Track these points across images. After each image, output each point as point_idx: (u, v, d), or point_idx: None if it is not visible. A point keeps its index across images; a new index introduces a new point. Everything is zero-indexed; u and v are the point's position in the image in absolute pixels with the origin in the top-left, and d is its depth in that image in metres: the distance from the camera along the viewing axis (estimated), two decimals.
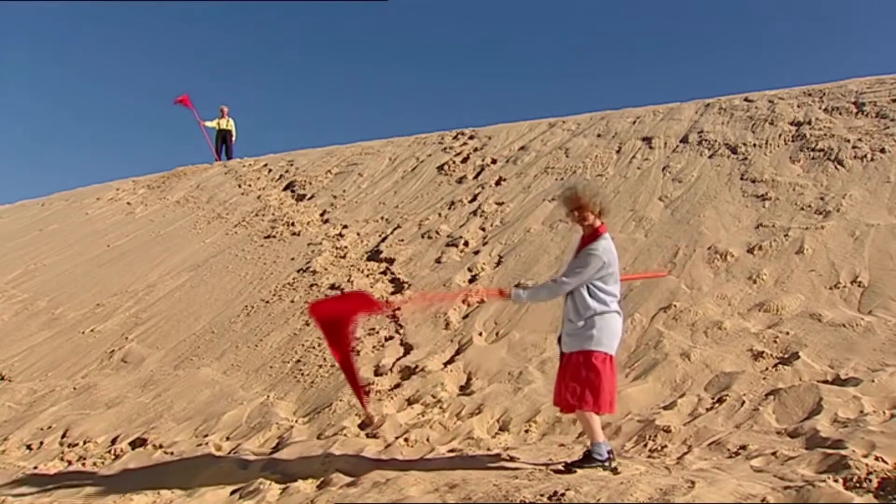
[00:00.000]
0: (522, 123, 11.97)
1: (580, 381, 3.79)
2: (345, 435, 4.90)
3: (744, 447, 3.93)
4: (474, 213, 9.06)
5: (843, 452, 3.51)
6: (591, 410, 3.77)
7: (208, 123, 15.66)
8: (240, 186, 12.87)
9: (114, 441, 5.45)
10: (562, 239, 7.72)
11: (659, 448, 4.14)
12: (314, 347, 6.55)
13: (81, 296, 9.31)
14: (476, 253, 7.94)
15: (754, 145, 8.78)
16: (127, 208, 13.33)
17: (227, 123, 15.71)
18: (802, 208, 7.12)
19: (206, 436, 5.33)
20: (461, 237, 8.36)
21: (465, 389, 5.47)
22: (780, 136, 8.83)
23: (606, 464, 3.73)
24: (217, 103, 23.67)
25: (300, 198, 11.53)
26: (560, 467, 3.81)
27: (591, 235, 3.91)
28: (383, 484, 3.79)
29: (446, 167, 10.93)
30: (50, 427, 5.86)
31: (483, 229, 8.55)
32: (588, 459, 3.76)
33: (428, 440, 4.72)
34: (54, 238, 12.50)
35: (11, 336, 8.40)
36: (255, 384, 6.14)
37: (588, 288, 3.85)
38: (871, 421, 3.94)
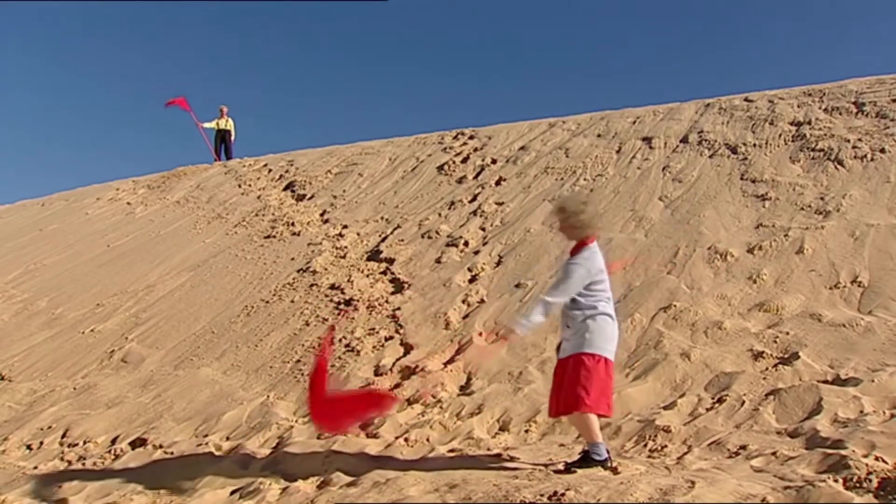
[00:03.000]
0: (522, 123, 11.97)
1: (575, 383, 3.78)
2: (345, 435, 4.90)
3: (744, 447, 3.93)
4: (474, 213, 9.06)
5: (843, 452, 3.51)
6: (587, 411, 3.74)
7: (207, 124, 15.68)
8: (240, 186, 12.87)
9: (114, 441, 5.45)
10: (562, 239, 7.70)
11: (659, 448, 4.14)
12: (314, 347, 6.55)
13: (81, 296, 9.31)
14: (476, 253, 7.94)
15: (754, 145, 8.78)
16: (127, 208, 13.33)
17: (227, 123, 15.73)
18: (802, 208, 7.12)
19: (206, 436, 5.33)
20: (461, 237, 8.36)
21: (465, 389, 5.48)
22: (780, 136, 8.83)
23: (606, 463, 3.73)
24: (217, 103, 23.69)
25: (300, 198, 11.53)
26: (560, 467, 3.82)
27: (577, 246, 3.97)
28: (383, 484, 3.79)
29: (446, 167, 10.93)
30: (50, 427, 5.86)
31: (483, 229, 8.55)
32: (587, 460, 3.76)
33: (428, 440, 4.72)
34: (54, 238, 12.50)
35: (11, 336, 8.40)
36: (255, 384, 6.14)
37: (574, 298, 3.87)
38: (871, 421, 3.94)
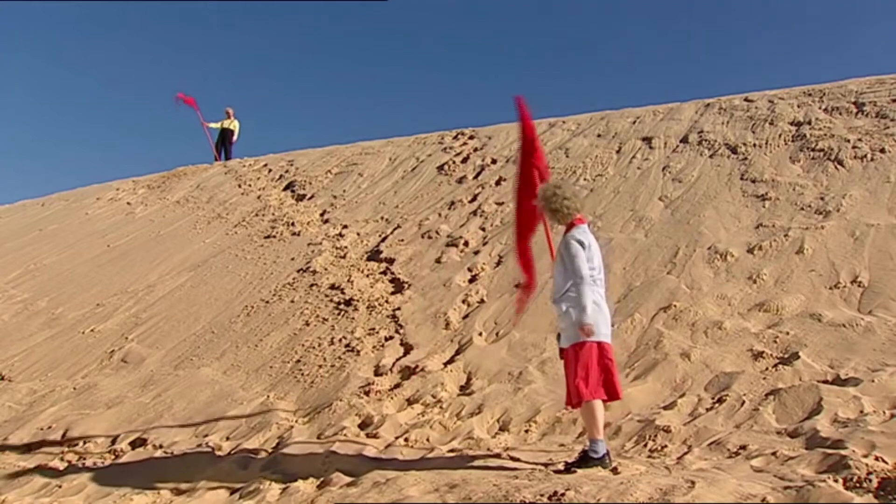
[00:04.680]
0: None
1: (574, 375, 3.89)
2: (345, 435, 4.90)
3: (744, 447, 3.93)
4: (474, 213, 9.06)
5: (843, 452, 3.51)
6: (586, 399, 3.83)
7: (212, 124, 15.74)
8: (240, 186, 12.87)
9: (114, 441, 5.45)
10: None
11: (659, 448, 4.14)
12: (314, 347, 6.56)
13: (81, 296, 9.31)
14: (476, 253, 7.94)
15: (754, 145, 8.78)
16: (127, 208, 13.33)
17: (231, 123, 15.75)
18: (802, 208, 7.11)
19: (206, 436, 5.33)
20: (461, 237, 8.36)
21: (465, 389, 5.48)
22: (780, 136, 8.83)
23: (604, 461, 3.74)
24: (218, 103, 23.70)
25: (300, 198, 11.53)
26: (560, 467, 3.82)
27: (568, 227, 4.14)
28: (383, 484, 3.79)
29: (446, 167, 10.93)
30: (50, 427, 5.86)
31: (483, 229, 8.55)
32: (585, 460, 3.77)
33: (428, 440, 4.72)
34: (54, 238, 12.50)
35: (11, 336, 8.40)
36: (255, 384, 6.14)
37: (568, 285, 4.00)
38: (871, 421, 3.94)
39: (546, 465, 3.95)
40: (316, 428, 5.16)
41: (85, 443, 5.47)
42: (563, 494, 3.27)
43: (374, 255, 8.55)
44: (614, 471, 3.68)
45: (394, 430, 4.92)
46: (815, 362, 4.85)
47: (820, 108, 9.27)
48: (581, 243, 4.02)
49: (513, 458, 4.15)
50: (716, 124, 9.71)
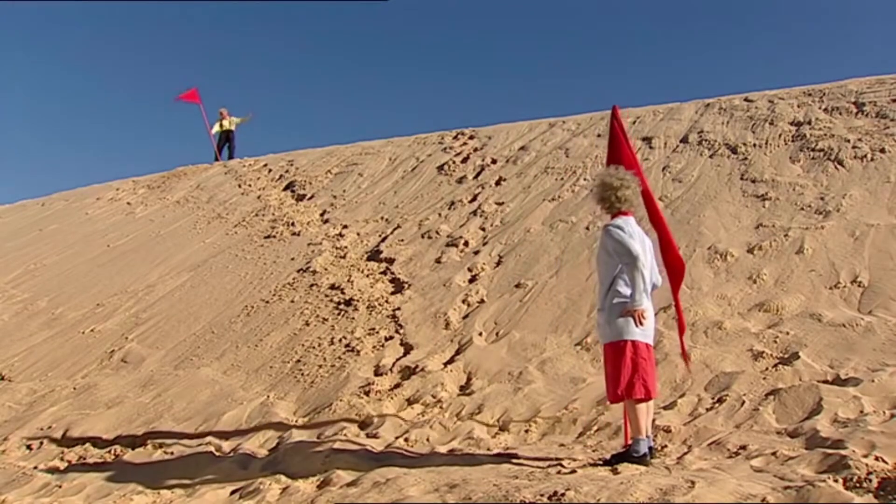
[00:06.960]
0: (522, 123, 11.97)
1: (609, 376, 3.91)
2: (345, 435, 4.90)
3: (744, 447, 3.93)
4: (474, 213, 9.06)
5: (843, 452, 3.51)
6: (617, 401, 3.87)
7: (215, 129, 15.86)
8: (240, 186, 12.87)
9: (114, 441, 5.45)
10: (562, 239, 7.73)
11: (659, 448, 4.14)
12: (314, 347, 6.56)
13: (81, 296, 9.30)
14: (476, 253, 7.94)
15: (754, 145, 8.78)
16: (127, 208, 13.33)
17: (229, 123, 15.84)
18: (802, 208, 7.11)
19: (206, 436, 5.32)
20: (461, 237, 8.36)
21: (465, 389, 5.48)
22: (780, 136, 8.83)
23: (644, 460, 3.76)
24: (217, 103, 23.71)
25: (300, 198, 11.53)
26: (565, 465, 3.82)
27: (614, 216, 4.14)
28: (383, 484, 3.79)
29: (446, 167, 10.93)
30: (50, 427, 5.86)
31: (483, 229, 8.55)
32: (625, 456, 3.80)
33: (428, 440, 4.72)
34: (54, 238, 12.50)
35: (11, 336, 8.40)
36: (255, 384, 6.14)
37: (604, 279, 4.00)
38: (871, 421, 3.94)
39: (548, 464, 3.95)
40: (316, 428, 5.15)
41: (85, 443, 5.47)
42: (563, 494, 3.27)
43: (374, 255, 8.55)
44: (614, 471, 3.68)
45: (394, 430, 4.92)
46: (815, 362, 4.85)
47: (820, 108, 9.27)
48: (622, 229, 3.96)
49: (513, 458, 4.15)
50: (716, 124, 9.71)
